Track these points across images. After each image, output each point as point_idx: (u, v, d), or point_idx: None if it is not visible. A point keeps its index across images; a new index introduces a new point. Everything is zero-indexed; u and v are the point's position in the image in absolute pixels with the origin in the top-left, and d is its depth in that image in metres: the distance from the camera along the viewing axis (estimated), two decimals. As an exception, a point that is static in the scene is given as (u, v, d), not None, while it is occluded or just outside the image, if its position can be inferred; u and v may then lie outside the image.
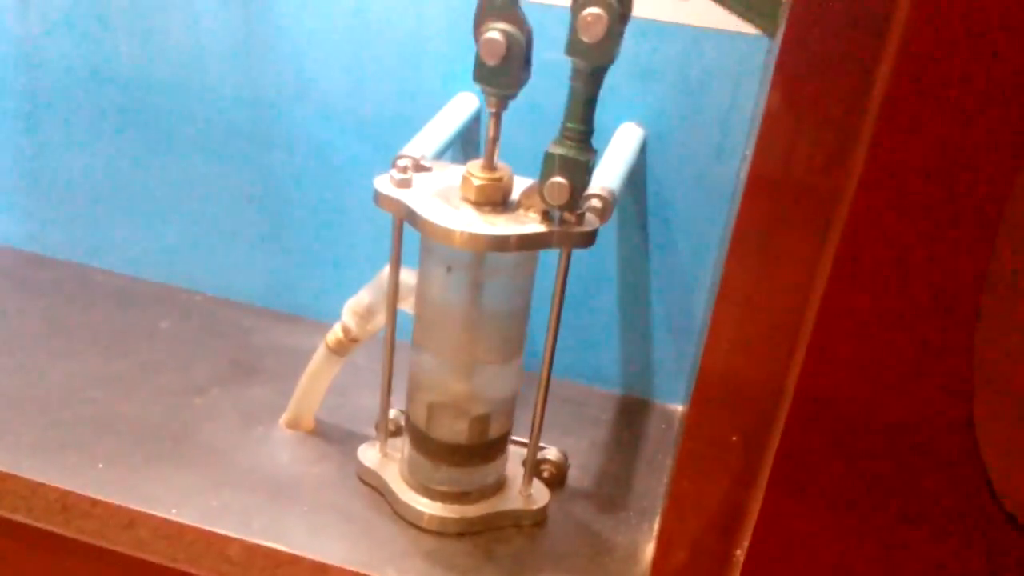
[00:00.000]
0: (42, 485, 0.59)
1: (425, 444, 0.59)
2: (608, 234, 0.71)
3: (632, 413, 0.76)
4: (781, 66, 0.36)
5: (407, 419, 0.61)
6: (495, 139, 0.51)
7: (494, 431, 0.59)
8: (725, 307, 0.41)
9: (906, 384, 0.40)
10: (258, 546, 0.57)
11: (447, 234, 0.50)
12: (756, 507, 0.44)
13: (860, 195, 0.37)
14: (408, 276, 0.58)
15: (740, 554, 0.45)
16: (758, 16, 0.44)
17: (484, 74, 0.48)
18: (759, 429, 0.42)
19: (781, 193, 0.38)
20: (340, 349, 0.64)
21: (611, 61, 0.46)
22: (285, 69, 0.73)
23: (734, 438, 0.43)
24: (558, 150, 0.49)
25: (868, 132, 0.36)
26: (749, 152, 0.43)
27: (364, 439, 0.66)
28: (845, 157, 0.37)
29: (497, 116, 0.50)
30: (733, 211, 0.42)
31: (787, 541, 0.44)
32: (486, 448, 0.60)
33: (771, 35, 0.44)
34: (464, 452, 0.59)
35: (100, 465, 0.61)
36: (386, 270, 0.59)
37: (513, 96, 0.50)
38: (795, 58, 0.36)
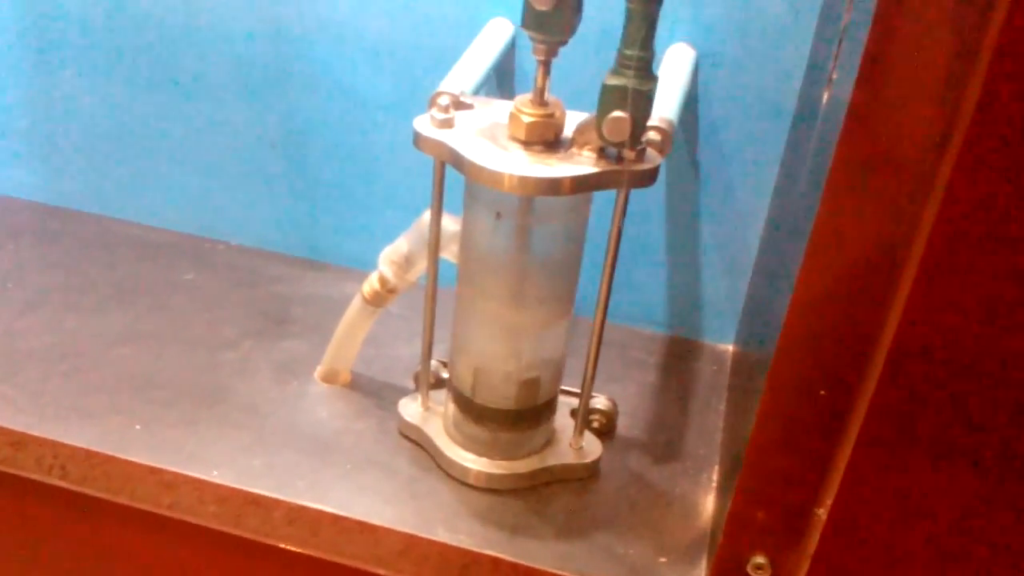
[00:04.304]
0: (80, 449, 0.57)
1: (470, 409, 0.56)
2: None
3: (680, 355, 0.73)
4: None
5: (450, 383, 0.58)
6: (543, 87, 0.47)
7: (543, 395, 0.56)
8: (818, 251, 0.37)
9: (1012, 332, 0.36)
10: (304, 507, 0.54)
11: (496, 178, 0.46)
12: (842, 462, 0.41)
13: (973, 131, 0.32)
14: (449, 222, 0.54)
15: (822, 512, 0.42)
16: None
17: (533, 21, 0.44)
18: (849, 380, 0.39)
19: (885, 125, 0.34)
20: (377, 300, 0.61)
21: None
22: (304, 1, 0.68)
23: (822, 392, 0.39)
24: (618, 80, 0.44)
25: (985, 61, 0.31)
26: (838, 76, 0.39)
27: (403, 391, 0.63)
28: (957, 88, 0.32)
29: (546, 64, 0.46)
30: (827, 141, 0.37)
31: (873, 497, 0.41)
32: (534, 413, 0.57)
33: None
34: (512, 417, 0.56)
35: (137, 426, 0.59)
36: (425, 216, 0.55)
37: (564, 43, 0.45)
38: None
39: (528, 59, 0.64)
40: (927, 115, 0.34)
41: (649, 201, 0.69)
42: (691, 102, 0.64)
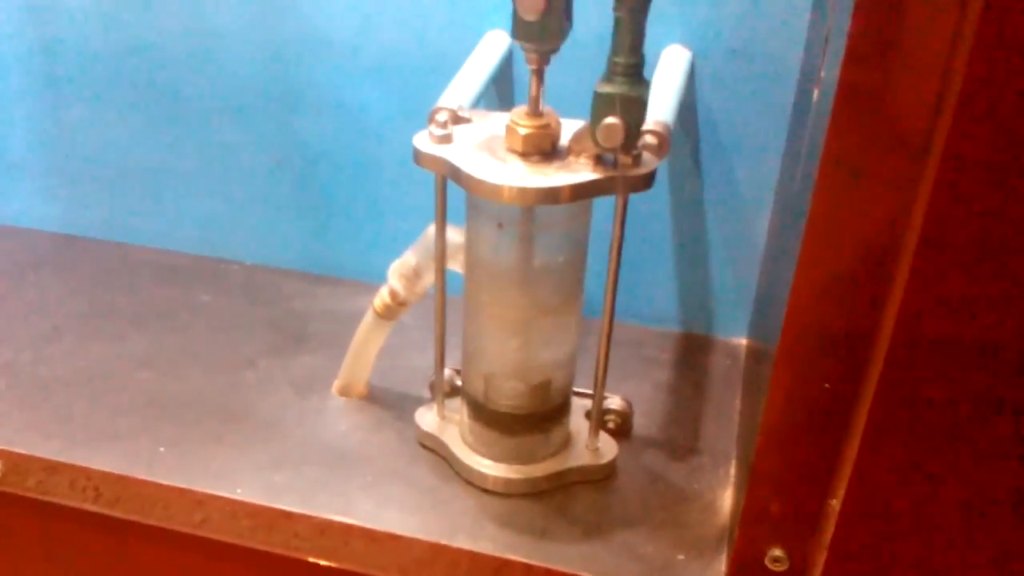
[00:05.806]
0: (111, 473, 0.58)
1: (484, 415, 0.57)
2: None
3: (693, 351, 0.73)
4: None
5: (464, 390, 0.59)
6: (538, 95, 0.47)
7: (555, 396, 0.57)
8: (814, 244, 0.37)
9: (1015, 320, 0.36)
10: (328, 521, 0.56)
11: (495, 190, 0.46)
12: (852, 452, 0.41)
13: (962, 113, 0.33)
14: (454, 234, 0.55)
15: (835, 503, 0.43)
16: None
17: (523, 31, 0.45)
18: (854, 372, 0.39)
19: (874, 114, 0.34)
20: (388, 314, 0.62)
21: None
22: (302, 23, 0.69)
23: (827, 384, 0.40)
24: (608, 88, 0.45)
25: (968, 45, 0.32)
26: (826, 74, 0.39)
27: (419, 401, 0.64)
28: (945, 71, 0.33)
29: (539, 73, 0.47)
30: (817, 135, 0.38)
31: (885, 487, 0.42)
32: (548, 414, 0.57)
33: None
34: (526, 420, 0.57)
35: (161, 448, 0.60)
36: (431, 230, 0.56)
37: (555, 51, 0.46)
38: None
39: (525, 69, 0.65)
40: (919, 92, 0.34)
41: (655, 200, 0.69)
42: (689, 99, 0.64)
